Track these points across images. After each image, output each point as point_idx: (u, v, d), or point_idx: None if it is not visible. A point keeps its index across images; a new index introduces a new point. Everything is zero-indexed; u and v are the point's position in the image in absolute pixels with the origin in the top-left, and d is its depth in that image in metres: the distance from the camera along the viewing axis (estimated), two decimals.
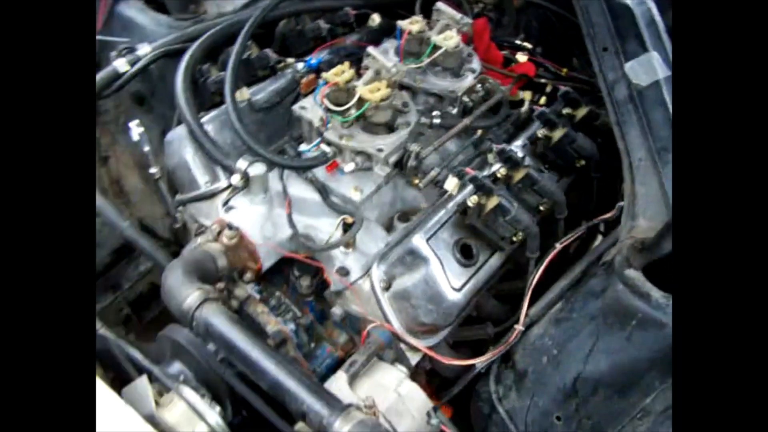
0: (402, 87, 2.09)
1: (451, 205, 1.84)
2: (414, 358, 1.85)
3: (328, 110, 1.88)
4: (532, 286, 1.80)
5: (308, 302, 2.00)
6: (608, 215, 1.88)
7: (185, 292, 1.63)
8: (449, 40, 2.05)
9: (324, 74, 1.90)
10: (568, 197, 2.04)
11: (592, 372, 1.67)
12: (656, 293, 1.57)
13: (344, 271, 1.88)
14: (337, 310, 1.95)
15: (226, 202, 2.01)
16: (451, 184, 1.82)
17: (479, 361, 1.82)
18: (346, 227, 1.88)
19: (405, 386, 1.76)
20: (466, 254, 1.78)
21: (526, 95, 2.29)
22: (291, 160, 1.90)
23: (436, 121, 2.05)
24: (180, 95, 1.95)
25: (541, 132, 1.98)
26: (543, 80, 2.29)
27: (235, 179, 1.95)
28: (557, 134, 1.98)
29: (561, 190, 1.87)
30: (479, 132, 2.12)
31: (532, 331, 1.81)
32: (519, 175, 1.83)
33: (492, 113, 2.19)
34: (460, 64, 2.15)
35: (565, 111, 2.07)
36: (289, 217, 1.92)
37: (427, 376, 2.02)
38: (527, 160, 1.92)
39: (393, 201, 2.06)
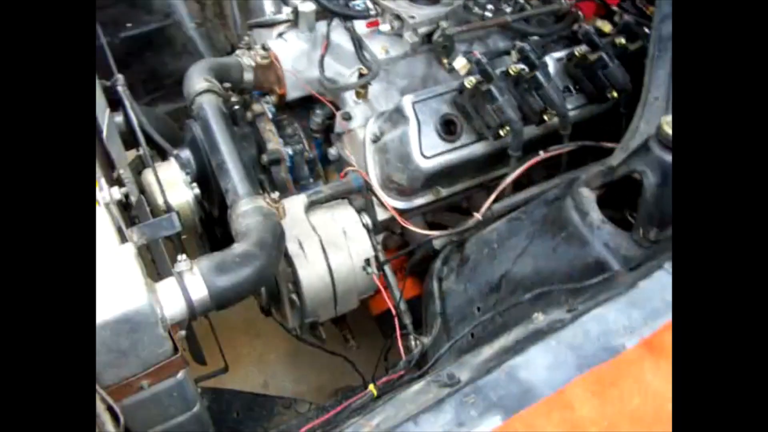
0: None
1: (452, 82, 1.90)
2: (382, 215, 1.97)
3: None
4: (505, 184, 1.84)
5: (316, 139, 2.17)
6: (609, 144, 1.85)
7: (197, 81, 1.86)
8: None
9: None
10: (592, 126, 2.03)
11: (516, 273, 1.72)
12: (595, 213, 1.58)
13: (347, 116, 2.02)
14: (332, 151, 2.12)
15: (281, 34, 2.21)
16: (459, 63, 1.88)
17: (435, 235, 1.91)
18: (361, 74, 2.00)
19: (354, 229, 1.90)
20: (448, 128, 1.85)
21: (603, 24, 2.23)
22: (336, 5, 2.04)
23: (488, 14, 2.09)
24: None
25: (579, 50, 1.96)
26: (614, 8, 2.22)
27: (286, 11, 2.14)
28: (593, 56, 1.95)
29: (564, 105, 1.85)
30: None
31: (490, 225, 1.86)
32: (527, 76, 1.85)
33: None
34: None
35: (619, 40, 2.02)
36: (322, 58, 2.08)
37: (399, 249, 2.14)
38: (551, 70, 1.92)
39: (425, 77, 2.15)
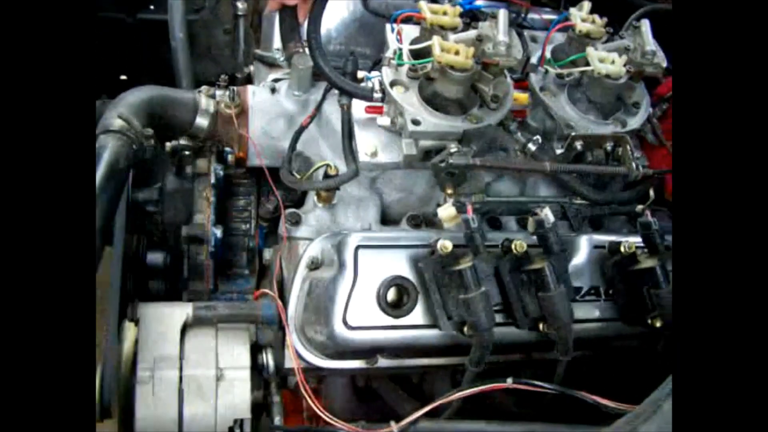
0: (523, 84, 1.56)
1: (428, 234, 1.33)
2: (288, 363, 1.44)
3: (399, 44, 1.45)
4: (443, 401, 1.27)
5: (262, 228, 1.66)
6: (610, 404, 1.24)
7: (111, 116, 1.38)
8: (609, 63, 1.45)
9: (420, 2, 1.45)
10: (610, 352, 1.42)
11: None
12: None
13: (294, 219, 1.50)
14: (266, 255, 1.60)
15: (276, 80, 1.72)
16: (445, 211, 1.31)
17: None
18: (327, 176, 1.48)
19: (235, 374, 1.38)
20: (394, 298, 1.29)
21: None
22: (335, 73, 1.52)
23: (531, 146, 1.50)
24: None
25: (627, 244, 1.35)
26: None
27: (280, 55, 1.64)
28: (646, 263, 1.33)
29: (570, 324, 1.24)
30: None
31: None
32: (534, 265, 1.26)
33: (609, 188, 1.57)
34: (614, 103, 1.54)
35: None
36: (301, 130, 1.57)
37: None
38: (582, 255, 1.33)
39: (424, 198, 1.60)
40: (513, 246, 1.27)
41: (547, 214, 1.31)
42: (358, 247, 1.28)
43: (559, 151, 1.50)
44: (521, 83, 1.61)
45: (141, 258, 1.60)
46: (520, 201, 1.55)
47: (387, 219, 1.59)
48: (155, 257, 1.61)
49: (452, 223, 1.32)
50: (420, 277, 1.28)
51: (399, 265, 1.29)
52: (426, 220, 1.56)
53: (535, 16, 1.83)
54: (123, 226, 1.42)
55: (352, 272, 1.27)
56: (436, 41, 1.35)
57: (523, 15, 1.80)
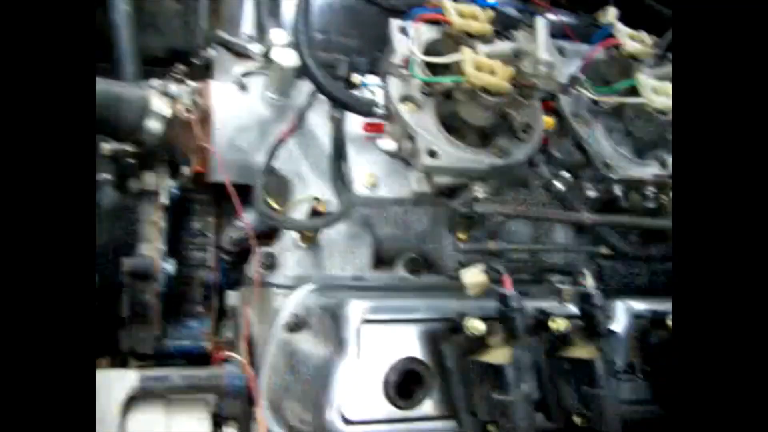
0: (553, 110, 1.30)
1: (448, 303, 1.07)
2: None
3: (413, 51, 1.16)
4: None
5: (223, 261, 1.35)
6: None
7: None
8: (663, 96, 1.21)
9: (446, 0, 1.16)
10: None
11: None
12: None
13: (269, 262, 1.20)
14: (230, 299, 1.30)
15: (246, 74, 1.39)
16: (473, 278, 1.05)
17: None
18: (315, 213, 1.18)
19: None
20: (403, 386, 1.02)
21: None
22: (329, 80, 1.21)
23: (559, 185, 1.25)
24: None
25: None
26: None
27: (255, 48, 1.31)
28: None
29: (616, 426, 1.02)
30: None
31: None
32: (579, 352, 1.02)
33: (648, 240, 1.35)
34: (655, 139, 1.31)
35: None
36: (278, 144, 1.26)
37: None
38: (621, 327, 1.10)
39: (422, 236, 1.33)
40: (554, 324, 1.03)
41: (590, 281, 1.08)
42: (364, 322, 1.00)
43: (591, 193, 1.26)
44: (544, 103, 1.36)
45: None
46: (539, 248, 1.30)
47: (379, 257, 1.32)
48: None
49: (478, 292, 1.06)
50: (437, 359, 1.02)
51: (411, 342, 1.03)
52: (426, 260, 1.30)
53: (553, 18, 1.56)
54: None
55: (356, 353, 0.99)
56: (468, 56, 1.07)
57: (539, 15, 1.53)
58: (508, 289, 0.98)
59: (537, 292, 1.22)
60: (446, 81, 1.12)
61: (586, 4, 1.60)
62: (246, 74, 1.40)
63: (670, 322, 1.14)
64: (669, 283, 1.30)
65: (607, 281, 1.22)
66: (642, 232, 1.37)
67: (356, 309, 1.01)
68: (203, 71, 1.57)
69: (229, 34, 1.50)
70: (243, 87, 1.35)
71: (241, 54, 1.44)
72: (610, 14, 1.53)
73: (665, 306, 1.18)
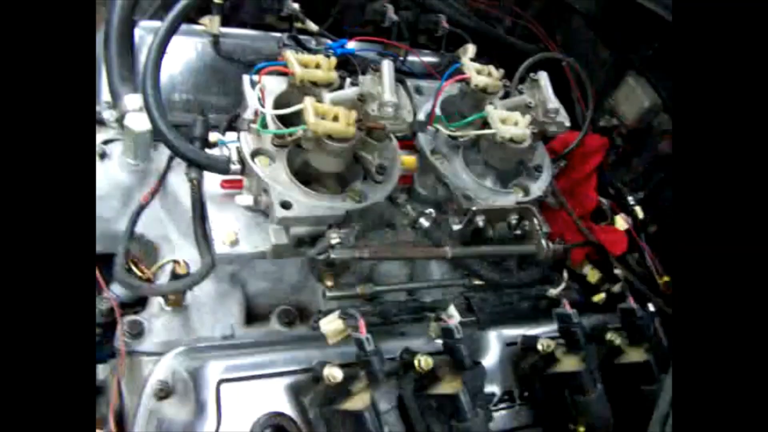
0: (408, 143, 1.32)
1: (309, 353, 1.06)
2: None
3: (262, 106, 1.17)
4: None
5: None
6: None
7: None
8: (512, 125, 1.24)
9: (286, 52, 1.17)
10: None
11: None
12: None
13: (136, 330, 1.16)
14: (99, 372, 1.25)
15: (106, 142, 1.37)
16: (330, 326, 1.04)
17: None
18: (175, 276, 1.16)
19: None
20: None
21: (592, 274, 1.44)
22: (181, 141, 1.19)
23: (424, 222, 1.26)
24: None
25: (544, 345, 1.14)
26: (617, 270, 1.41)
27: (109, 114, 1.30)
28: (566, 365, 1.13)
29: None
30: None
31: None
32: (445, 388, 1.02)
33: (517, 267, 1.36)
34: (515, 167, 1.34)
35: (611, 337, 1.21)
36: (140, 209, 1.24)
37: None
38: (493, 355, 1.10)
39: (296, 285, 1.32)
40: (417, 362, 1.02)
41: (453, 315, 1.08)
42: (220, 382, 0.98)
43: (456, 227, 1.28)
44: (406, 142, 1.38)
45: None
46: (412, 287, 1.31)
47: (253, 313, 1.29)
48: None
49: (338, 339, 1.05)
50: (303, 412, 1.00)
51: (275, 397, 1.01)
52: (302, 314, 1.29)
53: (414, 59, 1.61)
54: None
55: (215, 415, 0.97)
56: (309, 105, 1.07)
57: (401, 59, 1.56)
58: (362, 333, 0.97)
59: (418, 330, 1.23)
60: (287, 132, 1.13)
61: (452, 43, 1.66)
62: (106, 142, 1.38)
63: (540, 346, 1.15)
64: (537, 307, 1.32)
65: (477, 312, 1.23)
66: (519, 259, 1.39)
67: (213, 369, 0.99)
68: None
69: None
70: (103, 155, 1.33)
71: (101, 122, 1.43)
72: (470, 51, 1.58)
73: (537, 330, 1.20)
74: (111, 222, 1.29)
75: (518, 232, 1.30)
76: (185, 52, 1.45)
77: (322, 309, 1.28)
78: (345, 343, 1.05)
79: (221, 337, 1.20)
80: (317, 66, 1.18)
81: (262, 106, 1.17)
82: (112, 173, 1.31)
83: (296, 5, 1.46)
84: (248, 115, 1.21)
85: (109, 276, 1.20)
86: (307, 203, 1.13)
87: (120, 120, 1.28)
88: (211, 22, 1.39)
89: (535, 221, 1.26)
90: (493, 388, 1.17)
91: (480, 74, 1.31)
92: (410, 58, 1.59)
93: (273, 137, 1.17)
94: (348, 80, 1.22)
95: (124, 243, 1.20)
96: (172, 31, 1.28)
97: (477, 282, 1.31)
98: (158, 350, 1.16)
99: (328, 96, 1.15)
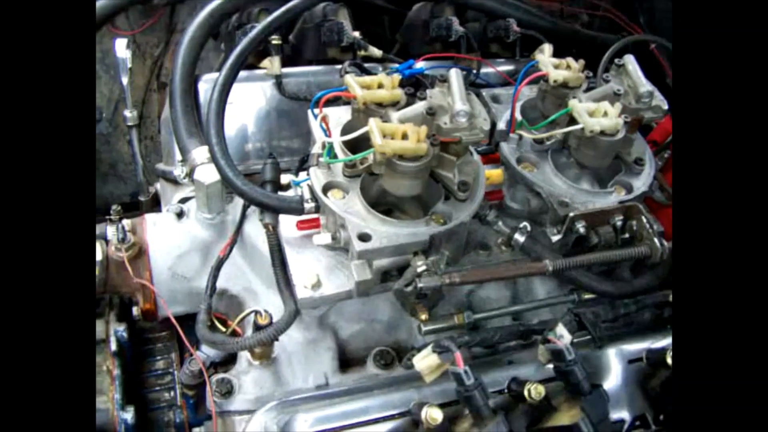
0: (493, 157, 1.22)
1: (405, 394, 0.95)
2: None
3: (327, 136, 1.10)
4: None
5: (188, 398, 1.26)
6: None
7: None
8: (601, 116, 1.11)
9: (346, 77, 1.11)
10: None
11: None
12: None
13: (226, 389, 1.11)
14: None
15: (183, 200, 1.36)
16: (424, 362, 0.93)
17: None
18: (257, 327, 1.09)
19: None
20: None
21: None
22: (249, 185, 1.15)
23: (519, 238, 1.14)
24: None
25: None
26: None
27: (180, 170, 1.28)
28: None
29: None
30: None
31: None
32: (562, 419, 0.89)
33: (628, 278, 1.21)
34: (611, 163, 1.21)
35: None
36: (219, 263, 1.19)
37: None
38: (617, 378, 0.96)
39: (392, 325, 1.23)
40: (527, 392, 0.90)
41: (563, 334, 0.95)
42: None
43: (555, 237, 1.15)
44: (490, 156, 1.28)
45: None
46: (515, 310, 1.18)
47: (349, 358, 1.21)
48: None
49: (435, 376, 0.94)
50: None
51: None
52: (400, 354, 1.19)
53: (489, 70, 1.51)
54: None
55: None
56: (374, 126, 1.00)
57: (474, 72, 1.47)
58: (459, 365, 0.86)
59: (528, 357, 1.10)
60: (355, 158, 1.05)
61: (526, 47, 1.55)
62: (182, 200, 1.37)
63: (671, 359, 0.99)
64: (660, 316, 1.15)
65: (590, 329, 1.08)
66: (633, 265, 1.24)
67: (301, 422, 0.90)
68: (150, 205, 1.55)
69: (165, 164, 1.49)
70: (180, 214, 1.31)
71: (176, 182, 1.42)
72: (546, 50, 1.47)
73: (663, 341, 1.04)
74: (193, 280, 1.26)
75: (626, 235, 1.16)
76: (252, 99, 1.42)
77: (417, 345, 1.19)
78: (445, 380, 0.94)
79: (315, 387, 1.12)
80: (380, 86, 1.11)
81: (327, 135, 1.11)
82: (190, 230, 1.28)
83: (356, 33, 1.41)
84: (316, 149, 1.15)
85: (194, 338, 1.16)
86: (386, 232, 1.05)
87: (190, 175, 1.26)
88: (272, 63, 1.36)
89: (644, 220, 1.11)
90: (621, 413, 1.02)
91: (558, 68, 1.20)
92: (484, 69, 1.50)
93: (344, 169, 1.10)
94: (417, 97, 1.14)
95: (206, 299, 1.16)
96: (231, 77, 1.26)
97: (587, 296, 1.18)
98: (250, 407, 1.10)
99: (395, 115, 1.07)
